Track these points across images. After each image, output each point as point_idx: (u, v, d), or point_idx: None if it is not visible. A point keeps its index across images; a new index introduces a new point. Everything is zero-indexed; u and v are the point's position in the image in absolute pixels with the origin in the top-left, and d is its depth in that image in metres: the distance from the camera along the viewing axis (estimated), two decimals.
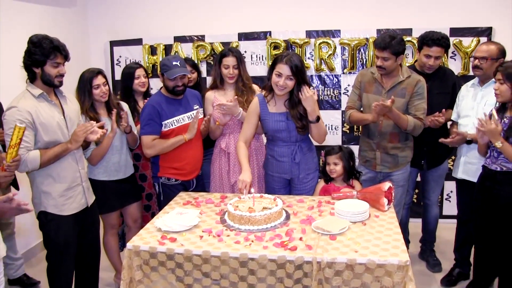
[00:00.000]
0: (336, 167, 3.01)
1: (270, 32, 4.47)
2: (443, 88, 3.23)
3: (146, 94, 3.51)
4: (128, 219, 3.26)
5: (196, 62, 3.60)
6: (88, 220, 2.77)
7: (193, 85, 3.47)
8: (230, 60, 3.13)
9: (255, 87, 3.29)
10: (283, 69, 2.67)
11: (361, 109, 3.21)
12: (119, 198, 3.11)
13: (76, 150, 2.59)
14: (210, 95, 3.25)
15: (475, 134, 2.75)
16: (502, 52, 2.96)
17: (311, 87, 2.79)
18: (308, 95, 2.70)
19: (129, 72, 3.37)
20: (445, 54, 4.11)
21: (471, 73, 3.50)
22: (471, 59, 3.12)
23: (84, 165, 2.78)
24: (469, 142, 3.03)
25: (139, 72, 3.38)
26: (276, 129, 2.88)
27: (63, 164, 2.55)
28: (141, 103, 3.40)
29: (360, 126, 3.45)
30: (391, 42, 2.88)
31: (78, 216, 2.66)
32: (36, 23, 3.93)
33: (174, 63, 2.91)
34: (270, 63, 4.35)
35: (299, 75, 2.70)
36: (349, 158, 3.04)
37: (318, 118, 2.78)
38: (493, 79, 2.92)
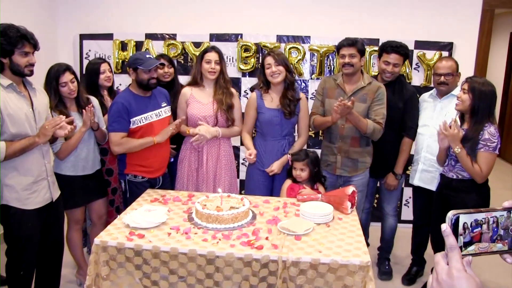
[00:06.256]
0: (302, 173, 3.09)
1: (241, 35, 4.51)
2: (397, 101, 3.30)
3: (111, 89, 3.51)
4: (93, 215, 3.23)
5: (171, 58, 3.62)
6: (53, 215, 2.72)
7: (170, 80, 3.50)
8: (212, 55, 3.17)
9: (234, 92, 3.32)
10: (270, 60, 3.11)
11: (324, 114, 3.30)
12: (85, 193, 3.07)
13: (43, 144, 2.55)
14: (186, 91, 3.27)
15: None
16: (457, 67, 3.19)
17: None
18: None
19: (94, 67, 3.37)
20: (409, 65, 4.29)
21: (432, 84, 3.65)
22: (436, 76, 3.20)
23: (51, 159, 2.73)
24: None
25: (104, 67, 3.38)
26: (270, 121, 3.19)
27: (29, 158, 2.50)
28: (107, 98, 3.42)
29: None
30: (356, 40, 3.14)
31: (42, 210, 2.61)
32: (1, 11, 3.81)
33: (147, 56, 2.96)
34: (239, 66, 4.46)
35: (284, 62, 3.13)
36: (315, 164, 3.13)
37: None
38: (452, 93, 3.11)
